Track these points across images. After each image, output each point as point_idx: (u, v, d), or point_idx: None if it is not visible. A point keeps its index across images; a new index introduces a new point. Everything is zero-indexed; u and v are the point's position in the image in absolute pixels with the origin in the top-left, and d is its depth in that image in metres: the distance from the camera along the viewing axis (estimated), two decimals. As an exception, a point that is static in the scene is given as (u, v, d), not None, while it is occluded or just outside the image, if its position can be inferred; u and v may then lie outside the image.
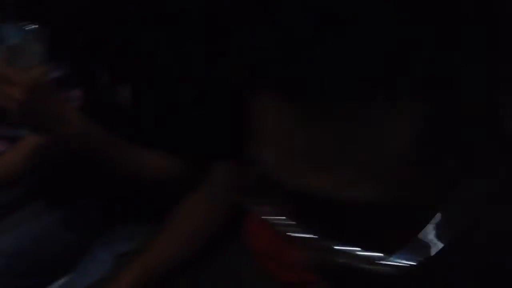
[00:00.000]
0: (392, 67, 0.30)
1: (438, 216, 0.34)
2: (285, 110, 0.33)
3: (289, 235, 0.37)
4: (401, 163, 0.32)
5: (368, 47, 0.30)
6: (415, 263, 0.34)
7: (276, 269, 0.84)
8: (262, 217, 0.39)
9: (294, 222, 0.37)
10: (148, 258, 0.87)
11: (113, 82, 0.93)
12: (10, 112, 0.80)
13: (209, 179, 0.90)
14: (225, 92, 0.76)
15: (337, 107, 0.31)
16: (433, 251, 0.34)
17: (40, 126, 0.84)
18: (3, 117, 0.87)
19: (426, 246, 0.34)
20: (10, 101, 0.78)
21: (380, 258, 0.35)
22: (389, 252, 0.35)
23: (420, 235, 0.34)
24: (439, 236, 0.34)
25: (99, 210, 1.04)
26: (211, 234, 0.90)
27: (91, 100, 0.98)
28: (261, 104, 0.35)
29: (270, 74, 0.33)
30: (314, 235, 0.36)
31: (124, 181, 0.93)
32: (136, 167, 0.90)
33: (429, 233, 0.34)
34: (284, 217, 0.37)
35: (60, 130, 0.83)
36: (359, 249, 0.35)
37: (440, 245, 0.34)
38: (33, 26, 0.82)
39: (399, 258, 0.35)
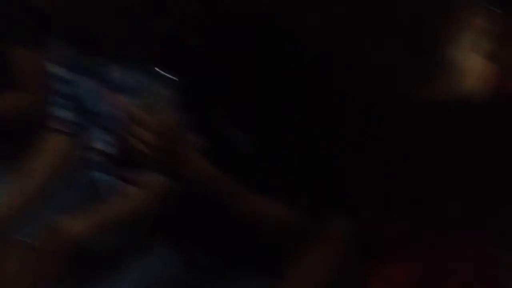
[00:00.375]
0: None
1: None
2: None
3: None
4: None
5: None
6: None
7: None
8: None
9: None
10: None
11: (233, 128, 0.94)
12: (141, 155, 0.83)
13: (327, 231, 0.87)
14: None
15: None
16: None
17: (167, 170, 0.86)
18: (132, 159, 0.91)
19: None
20: (142, 144, 0.82)
21: None
22: None
23: None
24: None
25: (219, 255, 1.04)
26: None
27: (211, 145, 1.00)
28: None
29: None
30: None
31: (241, 228, 0.92)
32: (253, 213, 0.89)
33: None
34: None
35: (186, 174, 0.85)
36: None
37: None
38: (165, 74, 0.85)
39: None
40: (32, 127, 1.25)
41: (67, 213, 1.02)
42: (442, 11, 0.66)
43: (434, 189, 0.70)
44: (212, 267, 1.05)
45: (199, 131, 0.99)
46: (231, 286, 1.01)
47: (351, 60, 0.71)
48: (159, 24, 0.98)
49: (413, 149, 0.70)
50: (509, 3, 0.72)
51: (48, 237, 0.97)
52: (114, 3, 1.02)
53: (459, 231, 0.72)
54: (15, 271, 0.98)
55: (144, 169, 1.06)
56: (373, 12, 0.68)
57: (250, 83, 0.88)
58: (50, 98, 1.20)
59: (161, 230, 1.11)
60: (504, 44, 0.68)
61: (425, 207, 0.72)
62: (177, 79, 0.85)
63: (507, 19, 0.71)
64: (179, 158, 0.84)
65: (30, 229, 1.07)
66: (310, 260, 0.87)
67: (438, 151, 0.68)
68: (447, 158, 0.68)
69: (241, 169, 0.91)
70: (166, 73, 0.85)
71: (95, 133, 1.18)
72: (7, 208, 1.15)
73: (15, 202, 1.16)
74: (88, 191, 1.22)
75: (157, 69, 0.87)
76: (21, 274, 0.97)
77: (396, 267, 0.80)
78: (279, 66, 0.85)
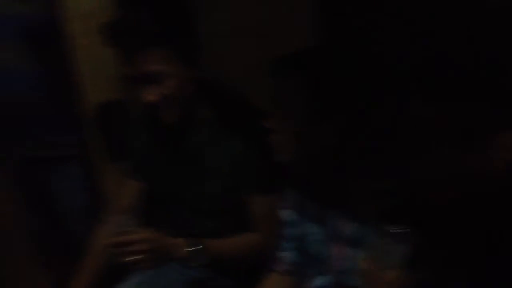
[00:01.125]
0: None
1: None
2: None
3: None
4: None
5: None
6: None
7: None
8: None
9: None
10: None
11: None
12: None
13: None
14: None
15: None
16: None
17: None
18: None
19: None
20: None
21: None
22: None
23: None
24: None
25: None
26: None
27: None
28: None
29: None
30: None
31: None
32: None
33: None
34: None
35: None
36: None
37: None
38: (401, 230, 0.88)
39: None
40: (257, 266, 1.36)
41: None
42: None
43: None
44: None
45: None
46: None
47: None
48: (399, 184, 1.02)
49: None
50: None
51: None
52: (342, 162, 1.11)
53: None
54: None
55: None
56: None
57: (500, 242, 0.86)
58: (278, 240, 1.31)
59: None
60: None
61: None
62: (410, 235, 0.87)
63: None
64: None
65: None
66: None
67: None
68: None
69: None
70: (398, 229, 0.88)
71: (315, 278, 1.23)
72: None
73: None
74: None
75: (389, 225, 0.90)
76: None
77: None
78: None
